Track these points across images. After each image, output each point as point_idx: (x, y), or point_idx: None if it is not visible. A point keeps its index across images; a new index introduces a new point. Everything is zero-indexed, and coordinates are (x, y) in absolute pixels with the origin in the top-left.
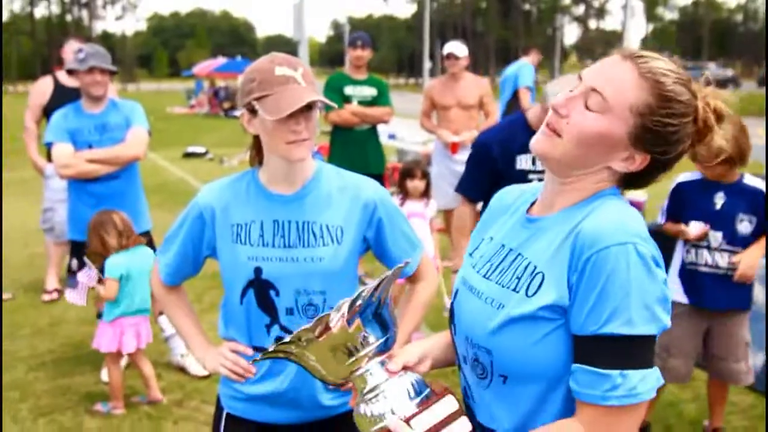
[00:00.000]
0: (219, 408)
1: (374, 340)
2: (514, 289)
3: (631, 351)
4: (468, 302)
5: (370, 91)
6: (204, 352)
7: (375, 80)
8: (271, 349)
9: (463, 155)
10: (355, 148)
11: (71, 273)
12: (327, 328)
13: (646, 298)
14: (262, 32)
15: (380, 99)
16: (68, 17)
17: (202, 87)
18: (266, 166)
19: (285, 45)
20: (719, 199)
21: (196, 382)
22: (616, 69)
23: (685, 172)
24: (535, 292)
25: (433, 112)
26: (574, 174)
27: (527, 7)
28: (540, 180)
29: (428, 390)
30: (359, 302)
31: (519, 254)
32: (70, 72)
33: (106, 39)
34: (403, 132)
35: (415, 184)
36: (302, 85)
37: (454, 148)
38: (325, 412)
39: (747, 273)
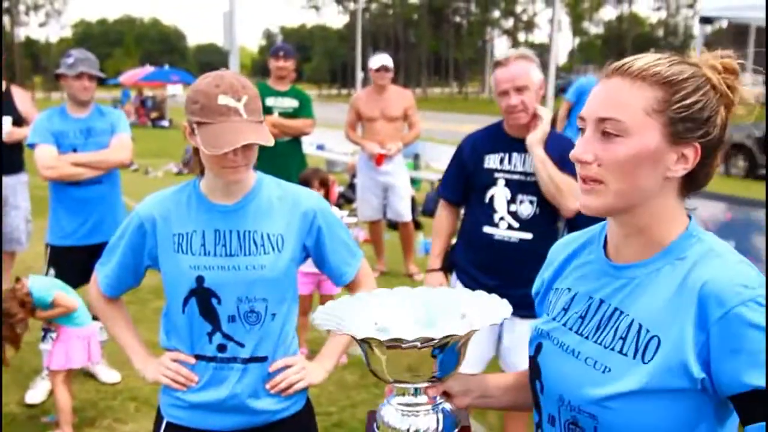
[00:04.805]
0: (159, 418)
1: (435, 369)
2: (621, 352)
3: None
4: (562, 361)
5: (291, 103)
6: (144, 363)
7: (297, 92)
8: (359, 337)
9: (388, 167)
10: (277, 159)
11: None
12: (415, 346)
13: None
14: (193, 41)
15: (302, 111)
16: None
17: (129, 96)
18: (206, 177)
19: (216, 54)
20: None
21: (108, 400)
22: (609, 89)
23: None
24: (652, 358)
25: (359, 124)
26: (639, 206)
27: (458, 19)
28: (506, 180)
29: (456, 430)
30: (450, 340)
31: (617, 309)
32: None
33: (29, 46)
34: (332, 143)
35: None
36: (244, 118)
37: (379, 159)
38: (265, 417)
39: None
